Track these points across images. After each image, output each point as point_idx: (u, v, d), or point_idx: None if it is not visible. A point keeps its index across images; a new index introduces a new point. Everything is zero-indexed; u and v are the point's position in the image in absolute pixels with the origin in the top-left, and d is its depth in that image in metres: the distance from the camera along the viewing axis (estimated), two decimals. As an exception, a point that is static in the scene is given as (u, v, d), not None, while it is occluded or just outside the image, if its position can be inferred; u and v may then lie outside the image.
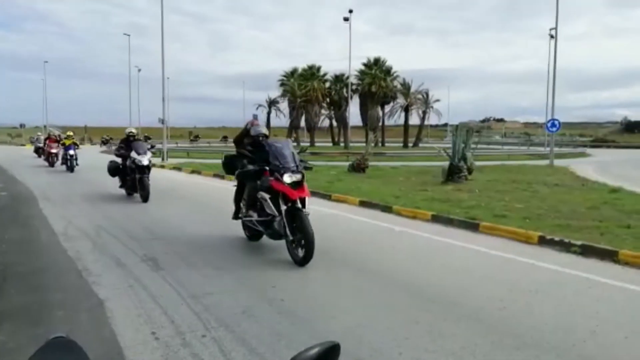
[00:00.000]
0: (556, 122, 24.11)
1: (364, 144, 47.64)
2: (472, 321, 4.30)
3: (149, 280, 5.47)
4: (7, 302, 4.80)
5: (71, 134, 21.93)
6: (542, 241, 7.15)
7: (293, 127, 57.28)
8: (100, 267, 6.01)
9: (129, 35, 51.38)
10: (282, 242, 6.43)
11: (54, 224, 8.83)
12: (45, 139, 25.74)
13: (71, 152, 20.35)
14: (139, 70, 59.47)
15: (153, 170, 12.90)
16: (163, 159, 27.25)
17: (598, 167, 23.91)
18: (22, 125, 75.28)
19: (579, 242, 6.78)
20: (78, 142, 23.63)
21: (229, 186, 15.59)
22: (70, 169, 20.09)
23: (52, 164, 23.14)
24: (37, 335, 3.98)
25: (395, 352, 3.70)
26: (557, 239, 7.05)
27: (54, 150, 23.37)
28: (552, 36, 38.62)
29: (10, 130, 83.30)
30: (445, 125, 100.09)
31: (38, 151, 31.20)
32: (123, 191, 12.57)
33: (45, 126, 64.81)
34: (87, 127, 79.85)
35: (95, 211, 10.27)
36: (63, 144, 21.64)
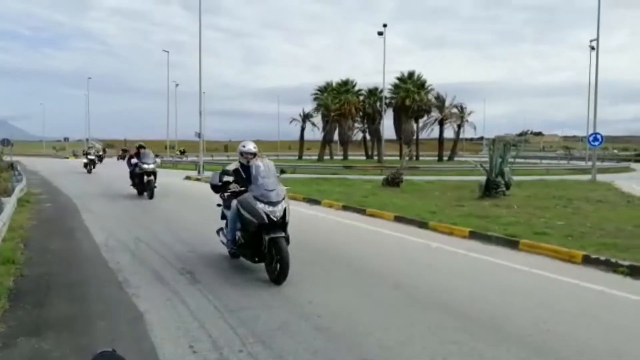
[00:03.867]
0: (599, 136, 23.35)
1: (397, 158, 47.33)
2: (514, 343, 4.16)
3: (186, 293, 5.54)
4: (51, 312, 4.94)
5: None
6: (587, 260, 6.88)
7: (326, 141, 57.42)
8: (140, 279, 6.13)
9: (167, 52, 53.00)
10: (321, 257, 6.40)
11: (95, 235, 9.08)
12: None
13: None
14: (177, 85, 61.09)
15: (188, 183, 13.37)
16: (199, 172, 27.72)
17: (644, 182, 22.93)
18: (66, 139, 78.32)
19: (626, 263, 6.49)
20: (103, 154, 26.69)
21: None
22: None
23: None
24: (80, 345, 4.08)
25: (434, 374, 3.62)
26: (602, 258, 6.77)
27: None
28: (592, 47, 37.66)
29: (55, 144, 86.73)
30: (481, 138, 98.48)
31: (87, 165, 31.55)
32: (158, 203, 13.37)
33: (87, 139, 67.13)
34: (127, 140, 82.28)
35: (134, 223, 10.51)
36: None
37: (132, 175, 16.03)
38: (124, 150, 30.10)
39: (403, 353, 3.94)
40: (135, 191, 15.84)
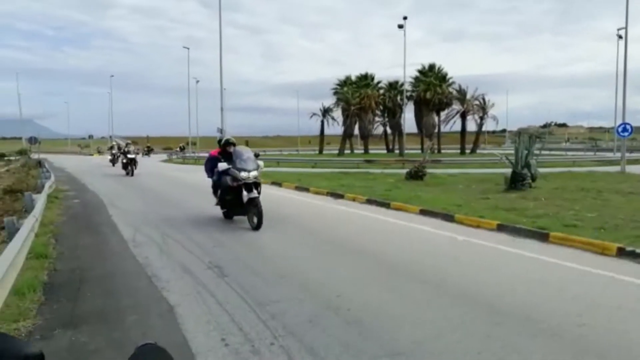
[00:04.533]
0: (628, 127, 22.71)
1: (419, 151, 46.94)
2: (549, 337, 4.08)
3: (215, 287, 5.57)
4: (85, 305, 5.02)
5: None
6: (622, 253, 6.69)
7: (347, 135, 57.27)
8: (168, 273, 6.19)
9: (188, 48, 53.32)
10: (348, 251, 6.35)
11: (122, 230, 9.21)
12: None
13: None
14: (197, 81, 61.56)
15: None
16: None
17: (675, 173, 22.27)
18: (90, 137, 79.96)
19: (663, 255, 6.30)
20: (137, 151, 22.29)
21: (288, 194, 15.87)
22: None
23: None
24: (114, 338, 4.14)
25: (469, 368, 3.56)
26: (638, 251, 6.58)
27: None
28: (620, 36, 36.71)
29: (80, 142, 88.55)
30: (503, 131, 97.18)
31: (113, 161, 32.25)
32: (184, 199, 13.07)
33: (110, 137, 68.36)
34: (149, 137, 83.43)
35: (159, 219, 10.62)
36: None
37: (219, 188, 10.04)
38: (126, 152, 24.64)
39: (436, 347, 3.89)
40: (217, 212, 10.56)
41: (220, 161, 9.82)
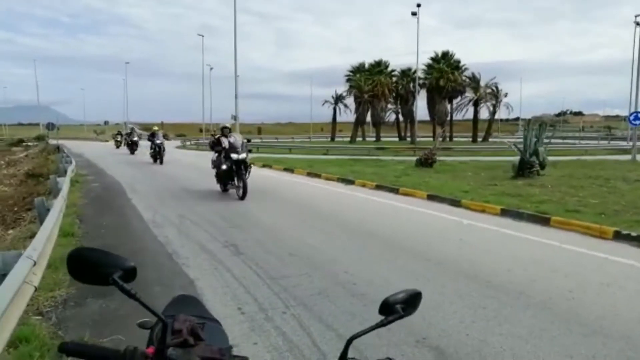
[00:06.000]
0: (640, 115, 22.68)
1: (431, 139, 46.96)
2: (539, 309, 4.42)
3: (231, 263, 5.99)
4: (112, 278, 5.46)
5: None
6: (618, 236, 6.99)
7: (359, 122, 57.39)
8: (187, 251, 6.62)
9: (202, 36, 53.76)
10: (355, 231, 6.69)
11: (142, 212, 9.68)
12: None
13: None
14: (211, 68, 61.90)
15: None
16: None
17: (687, 162, 22.21)
18: (106, 123, 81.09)
19: (658, 238, 6.57)
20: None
21: (299, 180, 16.31)
22: None
23: None
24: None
25: (462, 334, 3.92)
26: (634, 234, 6.87)
27: None
28: (638, 23, 36.23)
29: (96, 127, 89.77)
30: (517, 119, 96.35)
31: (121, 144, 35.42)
32: (200, 183, 13.61)
33: (125, 123, 69.19)
34: (164, 124, 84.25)
35: (177, 202, 11.07)
36: None
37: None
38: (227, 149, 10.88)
39: (435, 316, 4.25)
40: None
41: None
